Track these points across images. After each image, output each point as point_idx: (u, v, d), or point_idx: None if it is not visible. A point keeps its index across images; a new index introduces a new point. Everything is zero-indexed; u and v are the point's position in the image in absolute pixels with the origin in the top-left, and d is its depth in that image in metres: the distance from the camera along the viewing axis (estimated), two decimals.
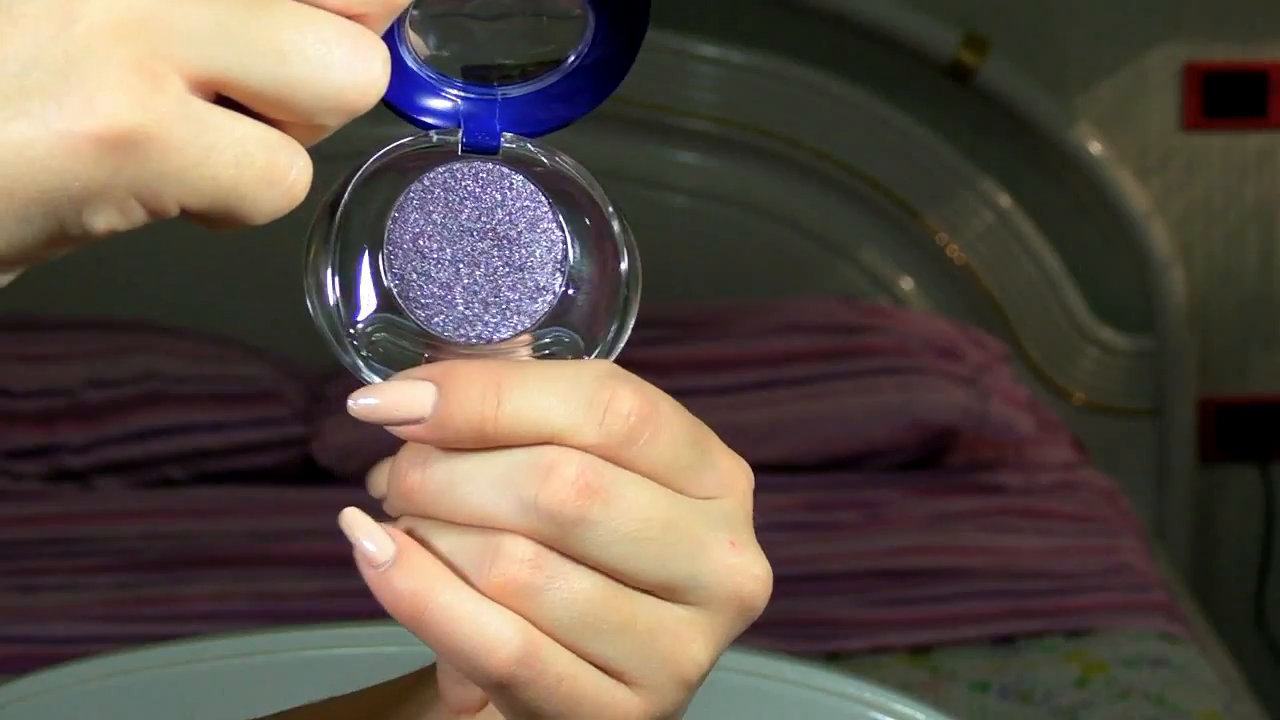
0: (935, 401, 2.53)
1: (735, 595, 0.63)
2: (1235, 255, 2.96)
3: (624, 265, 0.63)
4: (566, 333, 0.64)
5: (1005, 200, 2.89)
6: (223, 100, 0.54)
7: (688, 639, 0.63)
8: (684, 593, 0.62)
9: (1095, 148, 2.88)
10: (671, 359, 2.54)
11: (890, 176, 2.88)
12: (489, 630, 0.60)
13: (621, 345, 0.64)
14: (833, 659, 2.09)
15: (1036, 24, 2.90)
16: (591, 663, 0.62)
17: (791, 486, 2.45)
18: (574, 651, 0.61)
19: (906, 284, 2.92)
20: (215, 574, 2.28)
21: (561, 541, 0.60)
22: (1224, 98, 2.91)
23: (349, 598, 2.21)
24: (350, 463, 2.54)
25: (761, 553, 0.64)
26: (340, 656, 1.14)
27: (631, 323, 0.64)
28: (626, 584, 0.61)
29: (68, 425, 2.53)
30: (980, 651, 2.16)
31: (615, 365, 0.63)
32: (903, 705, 1.08)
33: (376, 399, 0.61)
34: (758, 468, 0.65)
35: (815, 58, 2.87)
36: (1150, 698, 2.03)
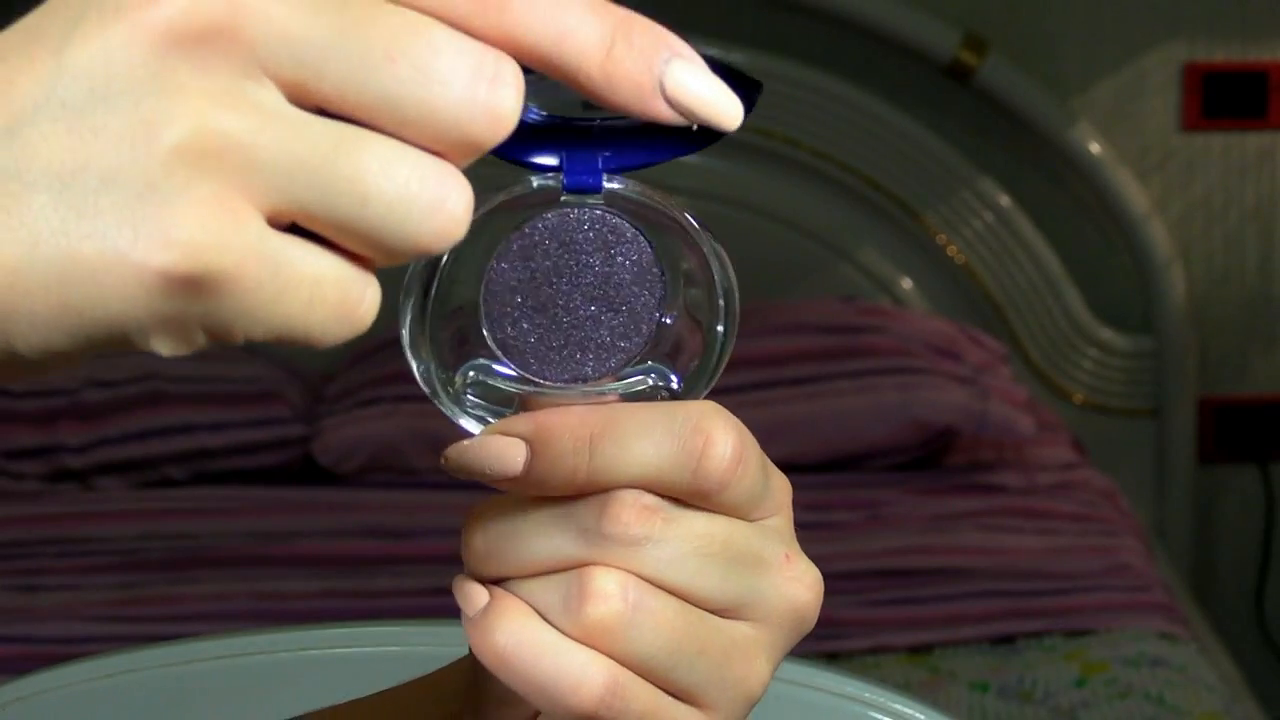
0: (935, 401, 2.54)
1: (792, 607, 0.64)
2: (1235, 255, 2.96)
3: (720, 302, 0.64)
4: (660, 369, 0.64)
5: (1005, 200, 2.89)
6: (294, 227, 0.53)
7: (754, 656, 0.64)
8: (747, 609, 0.63)
9: (1095, 148, 2.88)
10: None
11: (890, 176, 2.88)
12: (573, 668, 0.61)
13: (717, 378, 0.64)
14: (833, 659, 2.09)
15: (1036, 24, 2.90)
16: (669, 691, 0.62)
17: (792, 486, 2.45)
18: (655, 682, 0.62)
19: (906, 284, 2.92)
20: (215, 574, 2.28)
21: (634, 565, 0.61)
22: (1223, 98, 2.91)
23: (349, 598, 2.21)
24: (350, 463, 2.54)
25: (810, 562, 0.65)
26: (340, 656, 1.14)
27: (726, 357, 0.64)
28: (697, 606, 0.62)
29: (68, 425, 2.54)
30: (980, 651, 2.16)
31: (709, 404, 0.63)
32: (903, 705, 1.08)
33: (470, 457, 0.62)
34: None
35: (815, 58, 2.87)
36: (1150, 698, 2.03)
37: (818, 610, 0.65)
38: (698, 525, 0.62)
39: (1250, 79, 2.91)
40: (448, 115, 0.52)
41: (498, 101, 0.52)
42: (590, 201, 0.62)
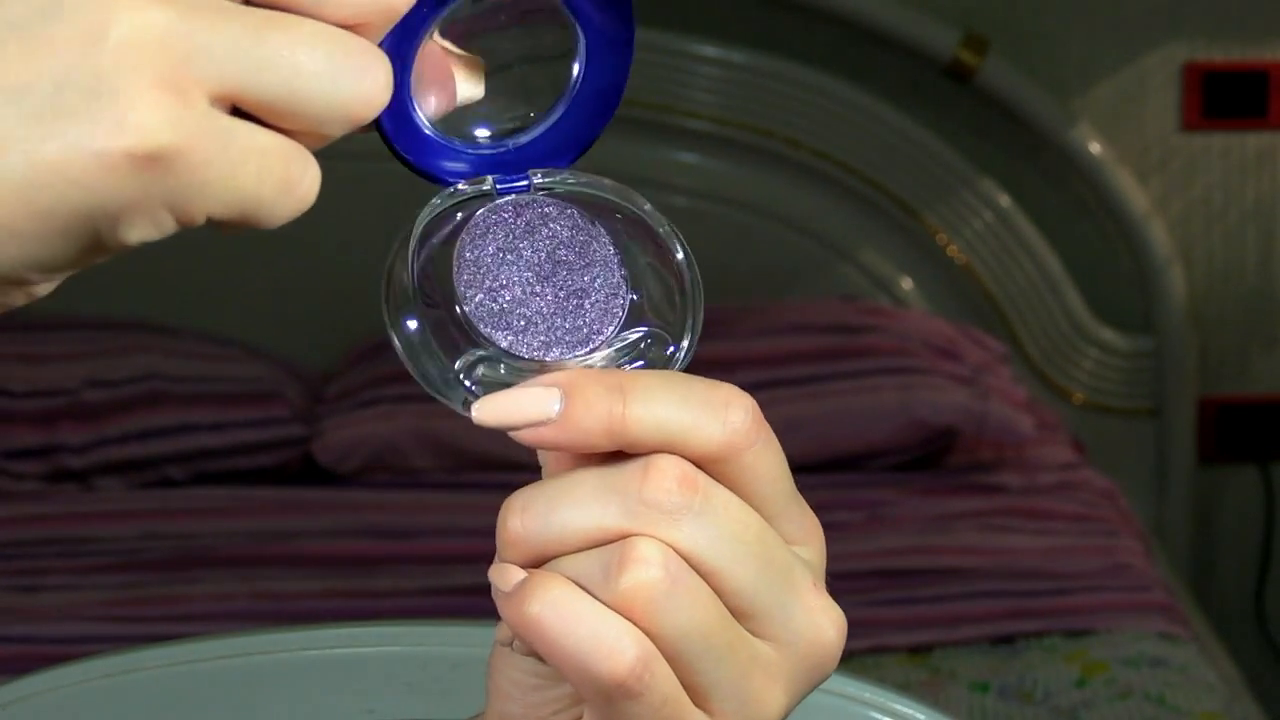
0: (935, 401, 2.53)
1: (817, 639, 0.64)
2: (1235, 255, 2.96)
3: (679, 256, 0.66)
4: (649, 331, 0.66)
5: (1005, 200, 2.89)
6: (235, 111, 0.56)
7: (773, 681, 0.63)
8: (774, 625, 0.63)
9: (1095, 148, 2.88)
10: None
11: (890, 176, 2.88)
12: (608, 636, 0.60)
13: (698, 333, 0.66)
14: None
15: (1036, 24, 2.90)
16: (689, 689, 0.62)
17: None
18: (680, 673, 0.62)
19: (906, 284, 2.92)
20: (215, 574, 2.28)
21: (674, 537, 0.61)
22: (1224, 98, 2.91)
23: (349, 598, 2.21)
24: (350, 463, 2.53)
25: (839, 608, 0.65)
26: (340, 656, 1.14)
27: (702, 308, 0.66)
28: (728, 605, 0.62)
29: (68, 425, 2.53)
30: (980, 651, 2.16)
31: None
32: (903, 705, 1.08)
33: (504, 404, 0.62)
34: None
35: (815, 58, 2.87)
36: (1150, 698, 2.03)
37: (838, 657, 0.65)
38: (734, 508, 0.62)
39: (1250, 79, 2.91)
40: None
41: None
42: (523, 196, 0.65)
